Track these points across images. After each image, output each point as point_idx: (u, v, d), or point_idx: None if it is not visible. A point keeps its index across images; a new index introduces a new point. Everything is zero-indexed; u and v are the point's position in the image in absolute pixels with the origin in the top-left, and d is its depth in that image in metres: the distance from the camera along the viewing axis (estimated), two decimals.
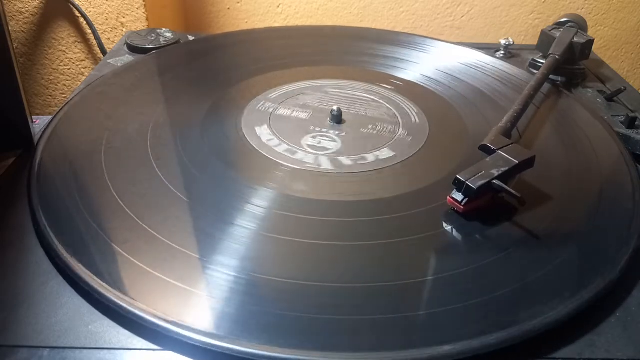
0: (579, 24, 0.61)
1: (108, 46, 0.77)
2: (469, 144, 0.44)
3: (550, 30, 0.59)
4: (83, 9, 0.75)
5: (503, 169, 0.35)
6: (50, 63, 0.80)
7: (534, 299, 0.29)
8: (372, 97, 0.52)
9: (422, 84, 0.55)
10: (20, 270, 0.31)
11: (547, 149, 0.44)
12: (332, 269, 0.31)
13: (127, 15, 0.77)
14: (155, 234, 0.33)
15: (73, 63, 0.81)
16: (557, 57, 0.54)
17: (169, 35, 0.64)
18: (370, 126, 0.47)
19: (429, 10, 0.91)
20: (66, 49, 0.79)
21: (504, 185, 0.35)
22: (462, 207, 0.35)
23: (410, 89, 0.53)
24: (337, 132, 0.46)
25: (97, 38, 0.76)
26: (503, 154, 0.37)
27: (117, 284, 0.29)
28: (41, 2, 0.76)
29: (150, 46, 0.61)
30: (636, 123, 0.49)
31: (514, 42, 0.64)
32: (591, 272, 0.31)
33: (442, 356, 0.25)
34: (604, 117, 0.50)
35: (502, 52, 0.64)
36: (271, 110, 0.49)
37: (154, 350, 0.26)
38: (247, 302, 0.28)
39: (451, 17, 0.92)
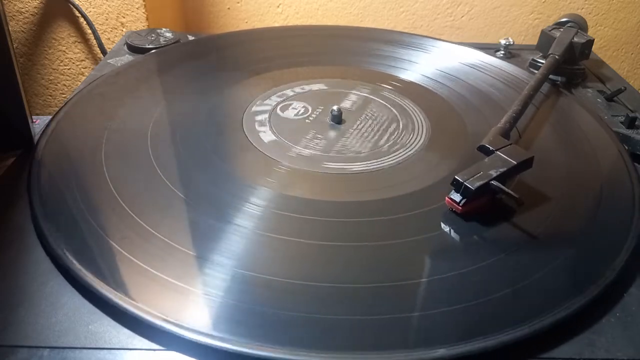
0: (579, 24, 0.61)
1: (108, 46, 0.77)
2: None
3: (550, 30, 0.59)
4: (83, 9, 0.75)
5: (501, 170, 0.35)
6: (50, 63, 0.80)
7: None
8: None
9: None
10: (20, 270, 0.31)
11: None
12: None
13: (127, 15, 0.77)
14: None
15: (73, 63, 0.81)
16: (557, 57, 0.54)
17: (169, 35, 0.64)
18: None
19: (429, 10, 0.91)
20: (66, 49, 0.79)
21: (502, 186, 0.35)
22: (460, 208, 0.35)
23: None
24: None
25: (97, 38, 0.76)
26: (501, 154, 0.37)
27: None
28: (41, 2, 0.76)
29: (150, 46, 0.61)
30: (636, 123, 0.49)
31: (514, 42, 0.64)
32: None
33: (441, 357, 0.25)
34: (604, 117, 0.50)
35: (502, 52, 0.64)
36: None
37: (154, 350, 0.26)
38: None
39: (451, 17, 0.92)
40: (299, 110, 0.49)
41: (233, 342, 0.26)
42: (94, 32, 0.76)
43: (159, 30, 0.65)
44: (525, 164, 0.37)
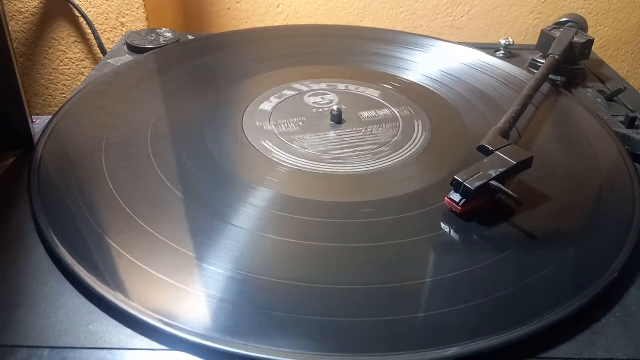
0: (579, 24, 0.61)
1: (108, 46, 0.77)
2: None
3: (550, 30, 0.59)
4: (83, 9, 0.75)
5: (501, 170, 0.35)
6: (50, 63, 0.80)
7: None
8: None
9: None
10: (20, 270, 0.31)
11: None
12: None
13: (127, 15, 0.77)
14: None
15: (73, 63, 0.81)
16: (557, 57, 0.54)
17: (169, 35, 0.64)
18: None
19: (429, 10, 0.91)
20: (66, 49, 0.79)
21: (502, 186, 0.35)
22: (459, 208, 0.35)
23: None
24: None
25: (97, 38, 0.76)
26: (501, 154, 0.37)
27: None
28: (41, 2, 0.76)
29: (150, 46, 0.61)
30: (636, 123, 0.49)
31: (514, 42, 0.64)
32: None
33: (441, 357, 0.25)
34: (604, 117, 0.50)
35: (502, 52, 0.64)
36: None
37: (154, 350, 0.26)
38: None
39: (451, 17, 0.92)
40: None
41: (233, 343, 0.26)
42: (94, 32, 0.76)
43: (159, 30, 0.65)
44: (525, 164, 0.37)
